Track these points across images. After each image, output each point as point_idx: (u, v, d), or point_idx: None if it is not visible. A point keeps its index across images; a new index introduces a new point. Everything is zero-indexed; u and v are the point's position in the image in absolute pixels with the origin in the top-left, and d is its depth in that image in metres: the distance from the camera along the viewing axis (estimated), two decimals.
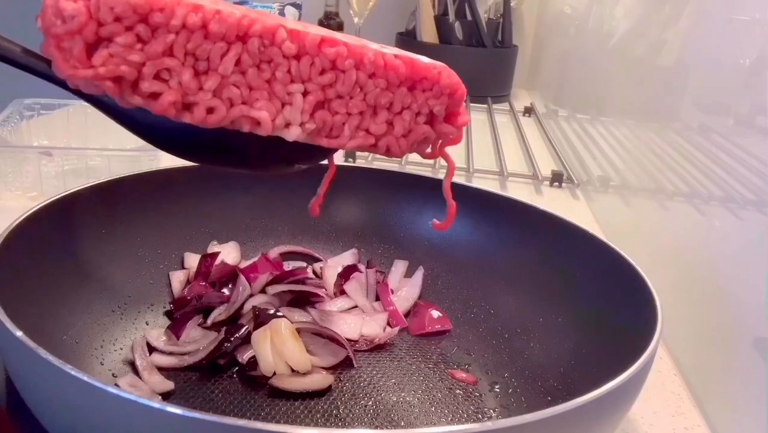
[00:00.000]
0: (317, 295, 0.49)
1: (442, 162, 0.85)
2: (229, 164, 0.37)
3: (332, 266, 0.52)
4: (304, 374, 0.40)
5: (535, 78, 1.47)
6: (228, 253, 0.52)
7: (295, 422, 0.37)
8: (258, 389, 0.40)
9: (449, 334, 0.48)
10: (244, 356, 0.41)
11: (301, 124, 0.33)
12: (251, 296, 0.47)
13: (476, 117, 1.17)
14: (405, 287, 0.51)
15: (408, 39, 1.34)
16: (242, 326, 0.42)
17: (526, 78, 1.52)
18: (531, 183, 0.85)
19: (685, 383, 0.46)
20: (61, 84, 0.30)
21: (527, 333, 0.45)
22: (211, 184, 0.52)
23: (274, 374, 0.40)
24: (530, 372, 0.42)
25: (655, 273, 0.39)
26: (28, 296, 0.37)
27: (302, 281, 0.49)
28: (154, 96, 0.30)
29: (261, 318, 0.43)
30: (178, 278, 0.49)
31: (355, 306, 0.49)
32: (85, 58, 0.29)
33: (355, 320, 0.47)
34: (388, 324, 0.48)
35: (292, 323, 0.43)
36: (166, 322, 0.45)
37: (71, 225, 0.44)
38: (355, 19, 1.22)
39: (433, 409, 0.40)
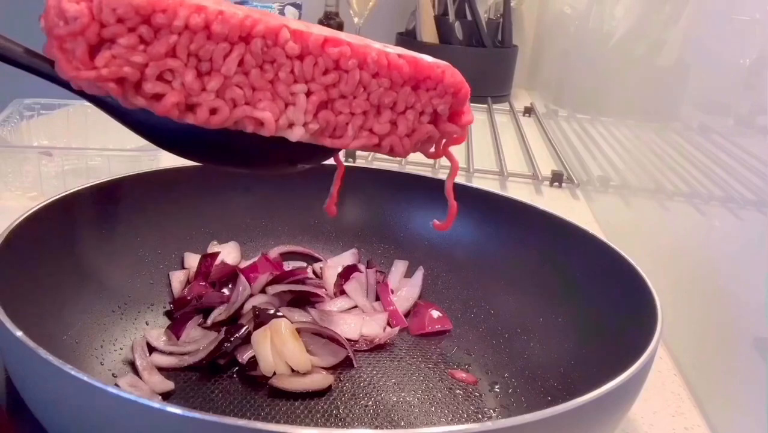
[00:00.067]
0: (317, 295, 0.49)
1: (443, 162, 0.85)
2: (232, 164, 0.37)
3: (332, 266, 0.52)
4: (304, 374, 0.40)
5: (535, 78, 1.47)
6: (228, 253, 0.52)
7: (295, 422, 0.37)
8: (258, 389, 0.40)
9: (449, 334, 0.48)
10: (244, 356, 0.41)
11: (305, 125, 0.32)
12: (251, 296, 0.47)
13: (476, 117, 1.17)
14: (405, 287, 0.51)
15: (408, 39, 1.34)
16: (242, 326, 0.42)
17: (526, 78, 1.52)
18: (531, 183, 0.85)
19: (685, 383, 0.46)
20: (64, 85, 0.30)
21: (527, 333, 0.45)
22: (211, 184, 0.52)
23: (274, 374, 0.40)
24: (530, 372, 0.42)
25: (655, 273, 0.39)
26: (28, 296, 0.37)
27: (302, 281, 0.49)
28: (157, 97, 0.30)
29: (261, 318, 0.43)
30: (178, 278, 0.49)
31: (355, 306, 0.49)
32: (87, 59, 0.29)
33: (355, 320, 0.47)
34: (388, 324, 0.48)
35: (292, 323, 0.43)
36: (166, 322, 0.45)
37: (71, 225, 0.44)
38: (355, 19, 1.22)
39: (433, 409, 0.40)
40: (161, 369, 0.40)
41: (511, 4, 1.37)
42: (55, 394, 0.28)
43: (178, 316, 0.45)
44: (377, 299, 0.50)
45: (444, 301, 0.50)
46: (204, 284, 0.48)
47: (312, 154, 0.36)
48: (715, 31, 0.53)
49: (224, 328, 0.42)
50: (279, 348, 0.40)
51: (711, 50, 0.53)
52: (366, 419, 0.38)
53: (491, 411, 0.40)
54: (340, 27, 1.27)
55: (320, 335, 0.43)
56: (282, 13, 1.23)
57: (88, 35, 0.28)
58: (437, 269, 0.53)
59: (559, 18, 1.30)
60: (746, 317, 0.40)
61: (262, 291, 0.48)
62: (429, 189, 0.54)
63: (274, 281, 0.48)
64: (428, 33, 1.31)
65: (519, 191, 0.81)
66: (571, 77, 1.10)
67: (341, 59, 0.32)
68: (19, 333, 0.28)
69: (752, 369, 0.38)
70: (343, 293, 0.50)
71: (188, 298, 0.46)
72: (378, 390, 0.41)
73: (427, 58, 0.34)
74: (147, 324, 0.45)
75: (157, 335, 0.43)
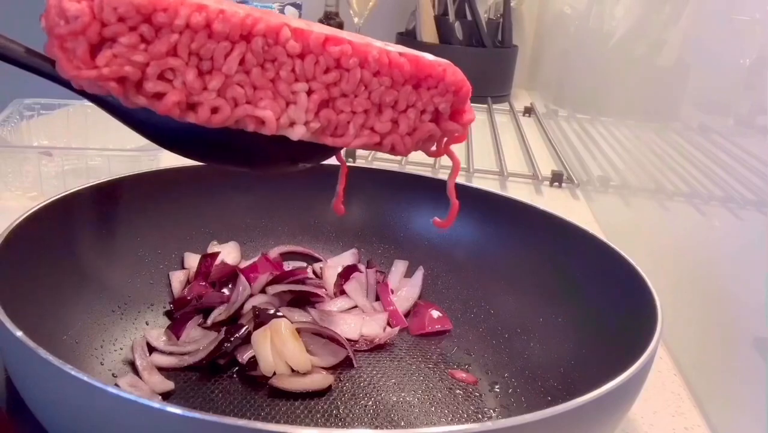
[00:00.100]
0: (317, 295, 0.49)
1: (443, 162, 0.85)
2: (233, 164, 0.37)
3: (332, 266, 0.52)
4: (304, 374, 0.40)
5: (535, 78, 1.47)
6: (228, 253, 0.52)
7: (295, 422, 0.37)
8: (258, 389, 0.40)
9: (449, 334, 0.48)
10: (244, 356, 0.41)
11: (306, 123, 0.32)
12: (251, 296, 0.47)
13: (476, 117, 1.17)
14: (405, 287, 0.51)
15: (408, 39, 1.34)
16: (242, 326, 0.42)
17: (526, 78, 1.52)
18: (531, 183, 0.85)
19: (685, 383, 0.46)
20: (65, 84, 0.30)
21: (527, 333, 0.45)
22: (211, 184, 0.52)
23: (274, 374, 0.40)
24: (530, 372, 0.42)
25: (655, 273, 0.39)
26: (28, 296, 0.37)
27: (302, 281, 0.49)
28: (159, 96, 0.30)
29: (261, 318, 0.43)
30: (178, 278, 0.49)
31: (355, 306, 0.49)
32: (88, 58, 0.29)
33: (355, 320, 0.47)
34: (388, 324, 0.48)
35: (292, 323, 0.43)
36: (166, 322, 0.45)
37: (71, 225, 0.44)
38: (355, 19, 1.22)
39: (433, 409, 0.40)
40: (161, 369, 0.40)
41: (511, 4, 1.37)
42: (55, 394, 0.28)
43: (178, 316, 0.45)
44: (377, 299, 0.50)
45: (444, 301, 0.50)
46: (204, 284, 0.48)
47: (313, 153, 0.36)
48: (715, 31, 0.53)
49: (224, 328, 0.42)
50: (279, 348, 0.40)
51: (711, 50, 0.53)
52: (366, 419, 0.38)
53: (491, 411, 0.40)
54: (339, 27, 1.27)
55: (320, 335, 0.43)
56: (282, 13, 1.23)
57: (89, 34, 0.28)
58: (437, 269, 0.53)
59: (559, 18, 1.30)
60: (746, 317, 0.40)
61: (262, 291, 0.48)
62: (429, 189, 0.54)
63: (274, 281, 0.48)
64: (428, 33, 1.31)
65: (519, 191, 0.81)
66: (571, 77, 1.10)
67: (342, 58, 0.32)
68: (19, 333, 0.28)
69: (752, 369, 0.38)
70: (343, 293, 0.50)
71: (188, 298, 0.46)
72: (378, 390, 0.41)
73: (429, 57, 0.34)
74: (147, 324, 0.45)
75: (157, 335, 0.43)
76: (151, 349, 0.42)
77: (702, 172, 0.51)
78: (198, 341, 0.43)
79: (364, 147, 0.35)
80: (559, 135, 1.06)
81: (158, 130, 0.33)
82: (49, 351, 0.27)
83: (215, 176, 0.52)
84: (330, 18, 1.29)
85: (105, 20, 0.28)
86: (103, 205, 0.47)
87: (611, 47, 0.86)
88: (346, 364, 0.43)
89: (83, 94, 0.30)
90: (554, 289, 0.46)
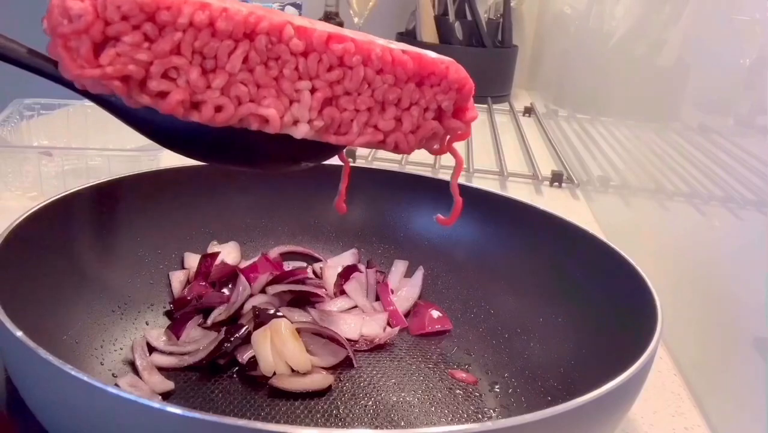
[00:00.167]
0: (317, 295, 0.49)
1: (443, 162, 0.85)
2: (236, 163, 0.37)
3: (332, 266, 0.52)
4: (304, 374, 0.40)
5: (535, 78, 1.47)
6: (228, 253, 0.52)
7: (295, 422, 0.37)
8: (258, 389, 0.40)
9: (449, 334, 0.48)
10: (244, 356, 0.41)
11: (310, 122, 0.32)
12: (251, 296, 0.47)
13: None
14: (405, 287, 0.51)
15: (408, 39, 1.33)
16: (242, 326, 0.42)
17: (526, 78, 1.52)
18: (531, 183, 0.85)
19: (685, 383, 0.46)
20: (68, 84, 0.30)
21: (527, 333, 0.45)
22: (211, 184, 0.52)
23: (274, 374, 0.40)
24: (530, 372, 0.42)
25: (655, 273, 0.39)
26: (28, 296, 0.37)
27: (302, 281, 0.49)
28: (162, 95, 0.30)
29: (261, 318, 0.43)
30: (178, 278, 0.49)
31: (355, 306, 0.49)
32: (92, 57, 0.29)
33: (355, 320, 0.47)
34: (388, 324, 0.48)
35: (292, 323, 0.43)
36: (166, 322, 0.45)
37: (71, 225, 0.44)
38: (355, 19, 1.22)
39: (433, 409, 0.40)
40: (161, 369, 0.40)
41: (511, 4, 1.37)
42: (55, 394, 0.28)
43: (178, 316, 0.45)
44: (377, 299, 0.50)
45: (444, 301, 0.50)
46: (204, 284, 0.48)
47: (316, 152, 0.36)
48: (715, 31, 0.53)
49: (224, 328, 0.42)
50: (279, 348, 0.40)
51: (711, 50, 0.53)
52: (366, 419, 0.38)
53: (491, 411, 0.40)
54: (339, 27, 1.27)
55: (320, 335, 0.43)
56: None
57: (93, 33, 0.28)
58: (437, 269, 0.53)
59: (559, 18, 1.30)
60: (746, 317, 0.40)
61: (262, 291, 0.48)
62: (429, 189, 0.54)
63: (274, 281, 0.48)
64: (428, 33, 1.31)
65: (519, 191, 0.81)
66: (571, 77, 1.10)
67: (345, 56, 0.32)
68: (19, 333, 0.28)
69: (752, 369, 0.38)
70: (343, 293, 0.50)
71: (188, 298, 0.46)
72: (378, 390, 0.41)
73: (432, 54, 0.34)
74: (147, 324, 0.45)
75: (157, 335, 0.43)
76: (151, 349, 0.42)
77: (702, 172, 0.51)
78: (198, 341, 0.43)
79: (368, 145, 0.35)
80: (559, 135, 1.06)
81: (161, 129, 0.33)
82: (49, 351, 0.27)
83: (215, 176, 0.52)
84: (330, 18, 1.29)
85: (108, 19, 0.28)
86: (103, 205, 0.47)
87: (611, 47, 0.86)
88: (346, 364, 0.43)
89: (86, 94, 0.30)
90: (554, 289, 0.46)
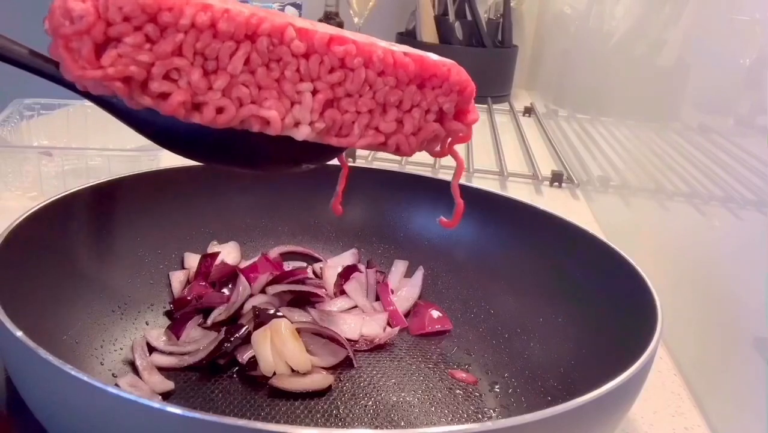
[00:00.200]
0: (317, 295, 0.49)
1: (443, 162, 0.85)
2: (237, 165, 0.37)
3: (332, 266, 0.52)
4: (304, 374, 0.40)
5: (535, 78, 1.47)
6: (228, 253, 0.52)
7: (295, 422, 0.37)
8: (258, 389, 0.40)
9: (449, 334, 0.48)
10: (244, 356, 0.41)
11: (311, 123, 0.32)
12: (251, 296, 0.47)
13: None
14: (405, 287, 0.51)
15: (408, 39, 1.33)
16: (242, 326, 0.42)
17: (526, 78, 1.52)
18: (531, 183, 0.85)
19: (685, 383, 0.46)
20: (69, 86, 0.30)
21: (527, 333, 0.45)
22: (211, 184, 0.52)
23: (274, 374, 0.40)
24: (530, 372, 0.42)
25: (655, 273, 0.39)
26: (28, 296, 0.37)
27: (302, 281, 0.49)
28: (164, 96, 0.30)
29: (261, 318, 0.43)
30: (178, 278, 0.49)
31: (355, 306, 0.49)
32: (93, 58, 0.29)
33: (355, 320, 0.47)
34: (388, 324, 0.48)
35: (292, 323, 0.43)
36: (166, 322, 0.45)
37: (71, 225, 0.44)
38: (355, 19, 1.22)
39: (433, 409, 0.40)
40: (161, 369, 0.40)
41: (511, 4, 1.37)
42: (55, 394, 0.28)
43: (178, 316, 0.45)
44: (377, 299, 0.50)
45: (444, 301, 0.50)
46: (204, 284, 0.48)
47: (317, 154, 0.36)
48: (715, 31, 0.53)
49: (224, 328, 0.42)
50: (279, 348, 0.40)
51: (711, 50, 0.53)
52: (366, 419, 0.38)
53: (491, 411, 0.40)
54: (339, 27, 1.27)
55: (320, 335, 0.43)
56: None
57: (94, 34, 0.28)
58: (437, 269, 0.53)
59: (559, 18, 1.30)
60: (746, 317, 0.40)
61: (262, 291, 0.48)
62: (429, 189, 0.54)
63: (274, 281, 0.48)
64: (428, 33, 1.31)
65: (519, 191, 0.81)
66: (571, 77, 1.10)
67: (347, 57, 0.32)
68: (19, 333, 0.28)
69: (752, 369, 0.38)
70: (343, 293, 0.50)
71: (188, 298, 0.46)
72: (378, 390, 0.41)
73: (433, 56, 0.34)
74: (147, 324, 0.45)
75: (157, 335, 0.43)
76: (151, 349, 0.42)
77: (702, 172, 0.51)
78: (198, 341, 0.43)
79: (369, 147, 0.35)
80: (559, 135, 1.06)
81: (162, 130, 0.33)
82: (49, 351, 0.27)
83: (215, 176, 0.52)
84: (330, 18, 1.28)
85: (110, 20, 0.28)
86: (103, 205, 0.47)
87: (611, 47, 0.86)
88: (346, 364, 0.43)
89: (87, 95, 0.30)
90: (554, 289, 0.46)
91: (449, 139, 0.37)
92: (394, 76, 0.33)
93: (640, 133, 0.69)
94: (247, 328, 0.42)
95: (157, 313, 0.47)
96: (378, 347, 0.45)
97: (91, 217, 0.46)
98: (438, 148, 0.37)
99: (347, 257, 0.54)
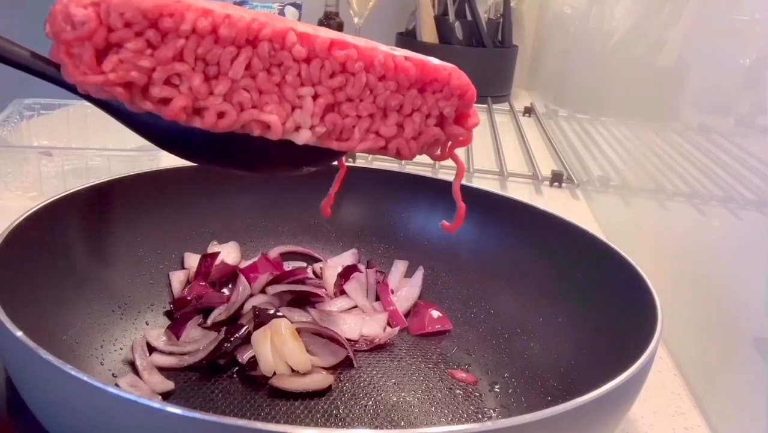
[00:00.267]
0: (317, 295, 0.49)
1: (443, 162, 0.85)
2: (239, 168, 0.37)
3: (332, 266, 0.52)
4: (304, 374, 0.40)
5: (535, 78, 1.47)
6: (228, 253, 0.52)
7: (295, 422, 0.37)
8: (258, 389, 0.40)
9: (449, 334, 0.48)
10: (244, 356, 0.41)
11: (312, 128, 0.32)
12: (251, 296, 0.47)
13: None
14: (405, 287, 0.51)
15: (408, 39, 1.34)
16: (242, 326, 0.42)
17: (526, 78, 1.52)
18: (531, 183, 0.85)
19: (685, 383, 0.46)
20: (70, 88, 0.30)
21: (527, 333, 0.45)
22: (211, 184, 0.52)
23: (274, 374, 0.40)
24: (530, 372, 0.42)
25: (655, 273, 0.39)
26: (28, 296, 0.37)
27: (302, 281, 0.49)
28: (165, 101, 0.30)
29: (261, 318, 0.43)
30: (178, 278, 0.49)
31: (355, 306, 0.49)
32: (95, 64, 0.29)
33: (355, 320, 0.47)
34: (388, 324, 0.48)
35: (292, 323, 0.43)
36: (166, 322, 0.45)
37: (71, 225, 0.44)
38: (355, 19, 1.22)
39: (433, 409, 0.40)
40: (161, 369, 0.40)
41: (511, 4, 1.37)
42: (55, 394, 0.28)
43: (178, 316, 0.45)
44: (377, 299, 0.50)
45: (444, 301, 0.50)
46: (204, 284, 0.48)
47: (318, 157, 0.36)
48: (715, 31, 0.53)
49: (224, 328, 0.42)
50: (279, 348, 0.40)
51: (711, 50, 0.53)
52: (366, 419, 0.38)
53: (491, 411, 0.40)
54: (340, 27, 1.27)
55: (320, 335, 0.43)
56: (282, 13, 1.23)
57: (96, 40, 0.28)
58: (437, 269, 0.53)
59: (559, 18, 1.30)
60: (746, 317, 0.40)
61: (262, 291, 0.48)
62: (429, 189, 0.54)
63: (274, 281, 0.48)
64: (428, 33, 1.31)
65: (519, 191, 0.81)
66: (571, 77, 1.10)
67: (348, 62, 0.32)
68: (19, 333, 0.28)
69: (752, 369, 0.38)
70: (343, 293, 0.50)
71: (188, 298, 0.46)
72: (378, 390, 0.41)
73: (434, 61, 0.34)
74: (147, 324, 0.45)
75: (157, 335, 0.43)
76: (151, 349, 0.42)
77: (702, 172, 0.51)
78: (198, 341, 0.43)
79: (370, 151, 0.35)
80: (559, 135, 1.06)
81: (163, 133, 0.33)
82: (49, 351, 0.27)
83: (215, 176, 0.52)
84: (330, 18, 1.28)
85: (112, 25, 0.28)
86: (103, 205, 0.47)
87: (611, 47, 0.86)
88: (346, 364, 0.43)
89: (88, 98, 0.30)
90: (554, 289, 0.46)
91: (450, 143, 0.37)
92: (395, 80, 0.33)
93: (640, 133, 0.69)
94: (247, 328, 0.42)
95: (157, 313, 0.47)
96: (378, 347, 0.45)
97: (91, 217, 0.46)
98: (438, 152, 0.37)
99: (347, 257, 0.54)
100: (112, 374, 0.40)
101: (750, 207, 0.42)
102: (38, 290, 0.39)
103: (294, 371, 0.40)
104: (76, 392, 0.27)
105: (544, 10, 1.47)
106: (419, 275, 0.52)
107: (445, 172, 0.84)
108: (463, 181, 0.40)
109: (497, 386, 0.42)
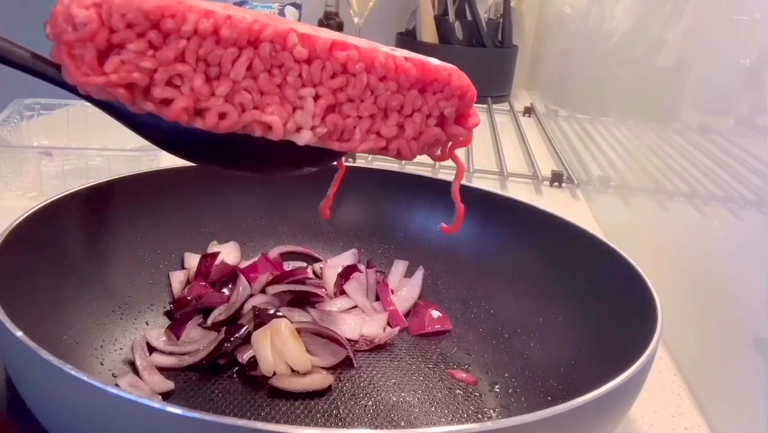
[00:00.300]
0: (317, 295, 0.49)
1: (443, 162, 0.85)
2: (240, 168, 0.37)
3: (332, 266, 0.52)
4: (304, 374, 0.40)
5: (535, 78, 1.47)
6: (228, 253, 0.52)
7: (295, 422, 0.37)
8: (258, 389, 0.40)
9: (449, 334, 0.48)
10: (244, 356, 0.41)
11: (313, 128, 0.33)
12: (251, 296, 0.47)
13: None
14: (405, 287, 0.51)
15: (408, 39, 1.34)
16: (242, 326, 0.42)
17: (526, 78, 1.52)
18: (531, 183, 0.85)
19: (685, 383, 0.46)
20: (71, 89, 0.30)
21: (527, 333, 0.45)
22: (211, 184, 0.52)
23: (274, 374, 0.40)
24: (530, 372, 0.42)
25: (655, 273, 0.39)
26: (28, 296, 0.37)
27: (302, 281, 0.49)
28: (166, 102, 0.30)
29: (261, 318, 0.43)
30: (178, 278, 0.49)
31: (355, 306, 0.49)
32: (96, 65, 0.29)
33: (355, 320, 0.47)
34: (388, 324, 0.48)
35: (292, 323, 0.43)
36: (166, 322, 0.45)
37: (71, 225, 0.44)
38: (355, 19, 1.22)
39: (433, 409, 0.40)
40: (161, 369, 0.40)
41: (511, 4, 1.37)
42: (55, 394, 0.28)
43: (178, 316, 0.45)
44: (377, 299, 0.50)
45: (444, 301, 0.50)
46: (204, 284, 0.48)
47: (319, 158, 0.36)
48: (715, 31, 0.53)
49: (224, 328, 0.42)
50: (279, 348, 0.40)
51: (711, 50, 0.53)
52: (366, 419, 0.38)
53: (491, 411, 0.40)
54: (340, 27, 1.27)
55: (320, 335, 0.43)
56: (282, 13, 1.23)
57: (98, 41, 0.28)
58: (437, 269, 0.53)
59: (559, 18, 1.30)
60: (746, 317, 0.40)
61: (262, 291, 0.48)
62: (429, 189, 0.54)
63: (274, 281, 0.48)
64: (428, 33, 1.31)
65: (519, 191, 0.81)
66: (571, 77, 1.10)
67: (349, 63, 0.32)
68: (19, 333, 0.28)
69: (752, 369, 0.38)
70: (343, 293, 0.50)
71: (188, 298, 0.46)
72: (378, 390, 0.41)
73: (434, 61, 0.34)
74: (147, 324, 0.45)
75: (157, 335, 0.43)
76: (151, 349, 0.42)
77: (702, 172, 0.51)
78: (198, 341, 0.43)
79: (370, 151, 0.35)
80: (559, 135, 1.06)
81: (164, 134, 0.33)
82: (49, 351, 0.27)
83: (215, 176, 0.52)
84: (330, 18, 1.28)
85: (113, 27, 0.28)
86: (104, 205, 0.47)
87: (611, 47, 0.86)
88: (346, 364, 0.43)
89: (89, 98, 0.30)
90: (554, 289, 0.46)
91: (450, 143, 0.37)
92: (396, 81, 0.33)
93: (640, 133, 0.69)
94: (247, 328, 0.42)
95: (157, 313, 0.47)
96: (378, 347, 0.45)
97: (91, 217, 0.46)
98: (439, 153, 0.37)
99: (347, 257, 0.54)
100: (112, 374, 0.40)
101: (750, 207, 0.42)
102: (38, 290, 0.39)
103: (294, 371, 0.40)
104: (76, 392, 0.27)
105: (544, 10, 1.47)
106: (419, 275, 0.52)
107: (445, 172, 0.84)
108: (463, 181, 0.40)
109: (497, 386, 0.42)
